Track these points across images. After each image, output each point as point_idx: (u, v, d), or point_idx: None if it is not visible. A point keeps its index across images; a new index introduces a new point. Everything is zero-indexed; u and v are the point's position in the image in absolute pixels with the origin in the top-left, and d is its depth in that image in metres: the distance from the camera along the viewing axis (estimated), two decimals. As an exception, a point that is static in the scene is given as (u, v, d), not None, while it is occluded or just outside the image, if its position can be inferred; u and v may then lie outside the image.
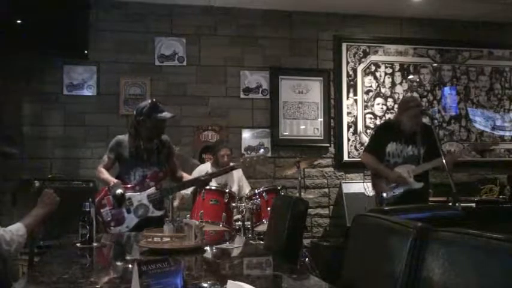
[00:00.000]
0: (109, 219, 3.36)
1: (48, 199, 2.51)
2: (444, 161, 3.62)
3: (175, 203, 4.49)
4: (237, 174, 4.82)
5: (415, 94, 5.96)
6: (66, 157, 5.22)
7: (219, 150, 4.69)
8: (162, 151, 3.59)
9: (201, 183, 3.74)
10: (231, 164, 4.07)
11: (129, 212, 3.37)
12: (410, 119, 3.96)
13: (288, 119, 5.71)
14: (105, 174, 3.50)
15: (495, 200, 5.35)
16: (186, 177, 3.86)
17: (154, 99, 3.69)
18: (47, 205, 2.49)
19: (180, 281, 1.44)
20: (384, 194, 3.96)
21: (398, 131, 4.00)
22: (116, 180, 3.42)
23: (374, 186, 4.13)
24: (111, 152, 3.55)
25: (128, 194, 3.38)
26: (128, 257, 2.47)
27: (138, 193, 3.41)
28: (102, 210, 3.36)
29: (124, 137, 3.56)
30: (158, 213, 3.44)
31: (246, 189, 4.74)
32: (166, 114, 3.50)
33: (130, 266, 2.03)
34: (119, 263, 2.35)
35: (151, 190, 3.43)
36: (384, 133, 4.17)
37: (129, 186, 3.44)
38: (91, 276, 2.00)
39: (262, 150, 3.79)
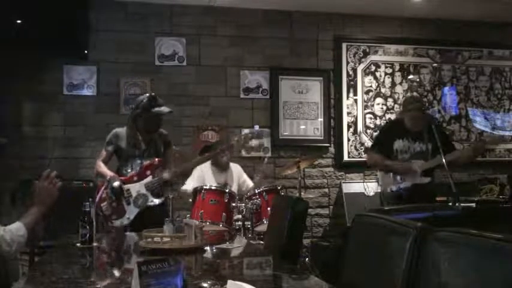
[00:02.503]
0: (110, 212, 3.38)
1: (43, 195, 2.48)
2: (444, 160, 3.64)
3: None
4: (236, 171, 4.81)
5: (415, 94, 5.96)
6: (66, 157, 5.21)
7: (219, 150, 4.69)
8: (158, 143, 3.62)
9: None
10: (231, 142, 4.10)
11: (128, 203, 3.40)
12: (410, 120, 4.04)
13: (288, 119, 5.70)
14: (103, 168, 3.53)
15: (495, 200, 5.34)
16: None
17: (153, 93, 3.69)
18: (44, 201, 2.46)
19: (180, 281, 1.44)
20: (388, 189, 3.96)
21: (404, 128, 4.05)
22: (112, 174, 3.45)
23: (380, 182, 4.15)
24: (109, 144, 3.58)
25: (126, 186, 3.41)
26: (127, 257, 2.47)
27: (136, 183, 3.43)
28: (102, 205, 3.38)
29: (122, 130, 3.60)
30: (157, 201, 3.47)
31: (250, 184, 4.75)
32: (163, 109, 3.49)
33: (130, 266, 2.03)
34: (118, 263, 2.35)
35: (149, 179, 3.45)
36: (388, 132, 4.24)
37: (125, 177, 3.46)
38: (91, 276, 2.00)
39: (257, 127, 3.81)
